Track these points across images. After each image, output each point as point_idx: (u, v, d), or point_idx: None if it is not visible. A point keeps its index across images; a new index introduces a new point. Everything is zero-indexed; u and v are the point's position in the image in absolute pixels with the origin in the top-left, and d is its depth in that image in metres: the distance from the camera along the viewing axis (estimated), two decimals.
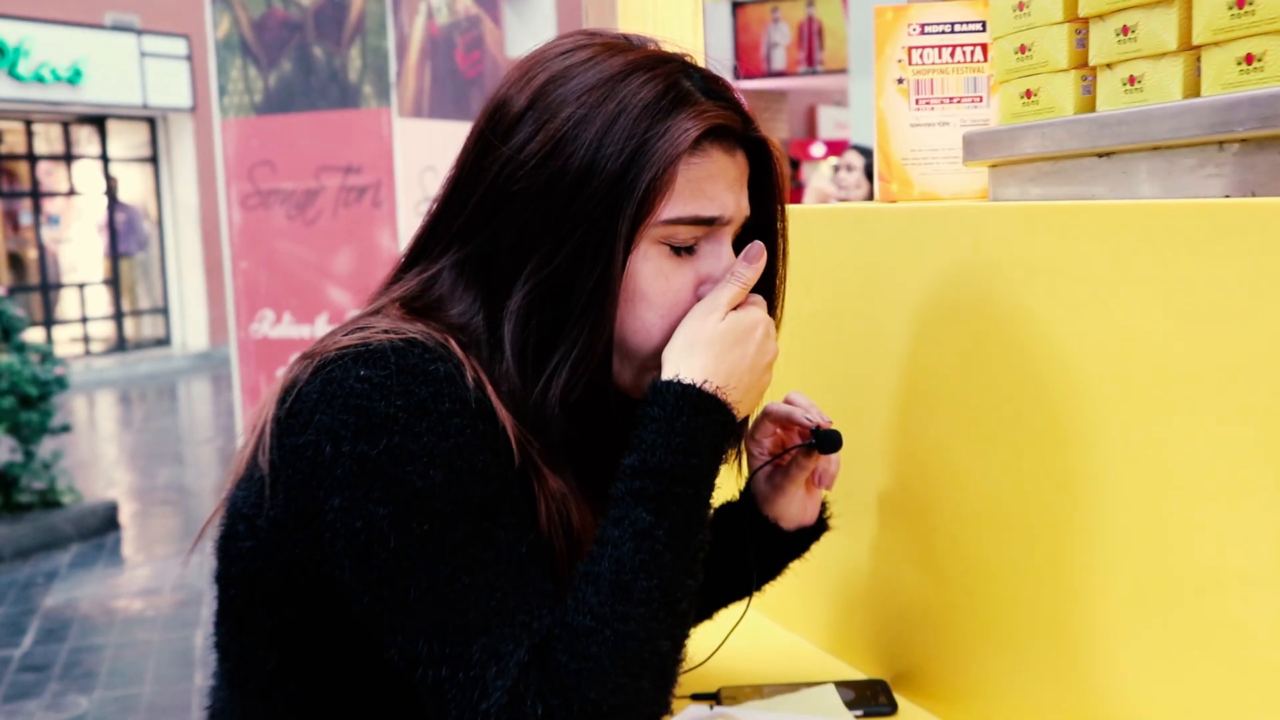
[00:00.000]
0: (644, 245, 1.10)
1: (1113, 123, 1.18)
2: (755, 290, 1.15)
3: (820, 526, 1.37)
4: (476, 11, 7.16)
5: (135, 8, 14.91)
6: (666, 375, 1.07)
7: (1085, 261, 1.13)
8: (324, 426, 1.02)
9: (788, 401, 1.30)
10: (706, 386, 1.06)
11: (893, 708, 1.37)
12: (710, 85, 1.13)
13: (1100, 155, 1.20)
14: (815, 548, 1.39)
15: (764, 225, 1.20)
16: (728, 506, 1.38)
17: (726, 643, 1.51)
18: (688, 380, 1.06)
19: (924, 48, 1.52)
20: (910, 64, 1.52)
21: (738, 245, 1.16)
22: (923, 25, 1.52)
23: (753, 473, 1.33)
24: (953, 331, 1.31)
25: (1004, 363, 1.23)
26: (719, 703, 1.37)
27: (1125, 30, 1.16)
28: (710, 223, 1.12)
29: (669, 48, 1.16)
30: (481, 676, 0.97)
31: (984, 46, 1.51)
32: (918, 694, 1.39)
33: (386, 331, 1.05)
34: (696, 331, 1.08)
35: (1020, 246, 1.21)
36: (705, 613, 1.41)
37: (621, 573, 1.00)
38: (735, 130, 1.13)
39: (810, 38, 18.81)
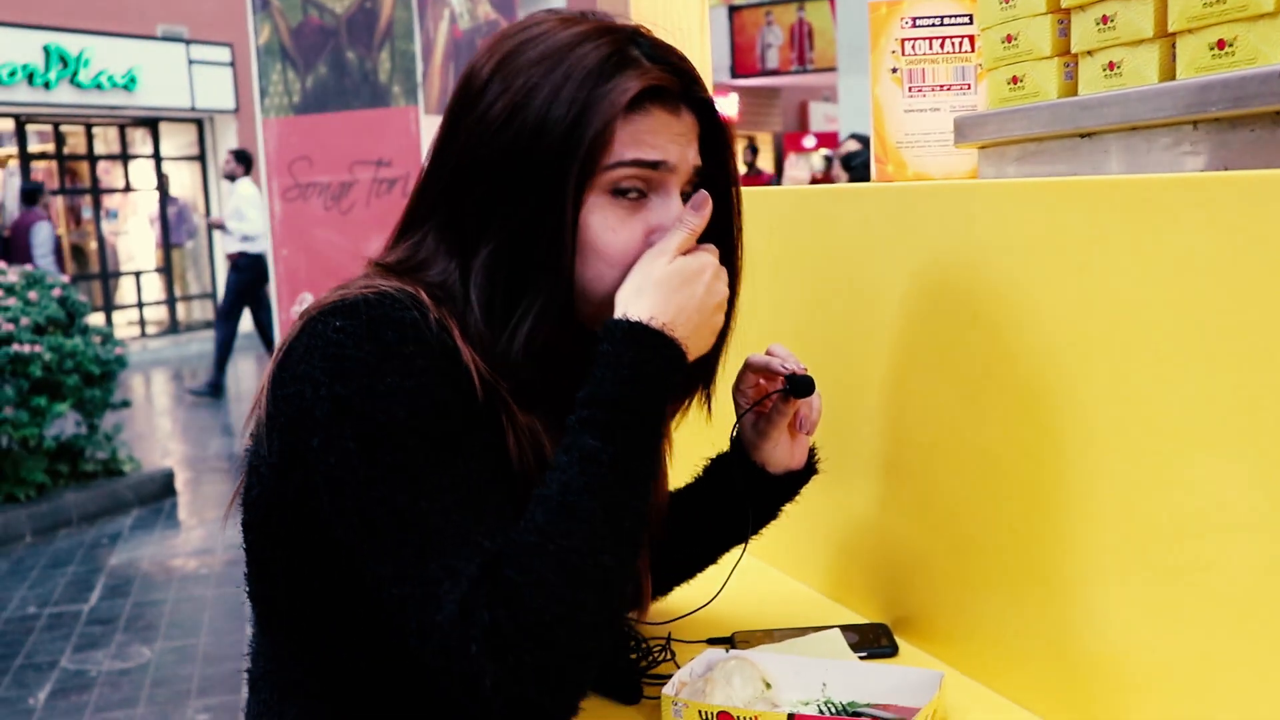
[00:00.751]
0: (593, 198, 1.10)
1: (1094, 105, 1.16)
2: (714, 245, 1.15)
3: (809, 471, 1.36)
4: (495, 16, 7.13)
5: (184, 19, 14.88)
6: (617, 314, 1.07)
7: (1069, 233, 1.11)
8: (306, 375, 1.04)
9: (768, 353, 1.30)
10: (652, 323, 1.05)
11: (894, 649, 1.36)
12: (656, 51, 1.12)
13: (1083, 136, 1.18)
14: (819, 501, 1.38)
15: (717, 183, 1.18)
16: (720, 456, 1.38)
17: (740, 590, 1.50)
18: (634, 318, 1.05)
19: (915, 39, 1.50)
20: (903, 54, 1.51)
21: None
22: (914, 19, 1.50)
23: (738, 419, 1.32)
24: (947, 298, 1.29)
25: (995, 326, 1.21)
26: (733, 646, 1.36)
27: (1105, 20, 1.14)
28: (654, 167, 1.10)
29: (623, 21, 1.15)
30: (436, 591, 0.97)
31: (971, 38, 1.49)
32: (917, 636, 1.37)
33: (363, 288, 1.07)
34: (645, 274, 1.08)
35: (1009, 221, 1.19)
36: (709, 558, 1.41)
37: (567, 494, 1.00)
38: (674, 90, 1.11)
39: (801, 39, 18.80)
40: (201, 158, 15.72)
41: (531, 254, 1.09)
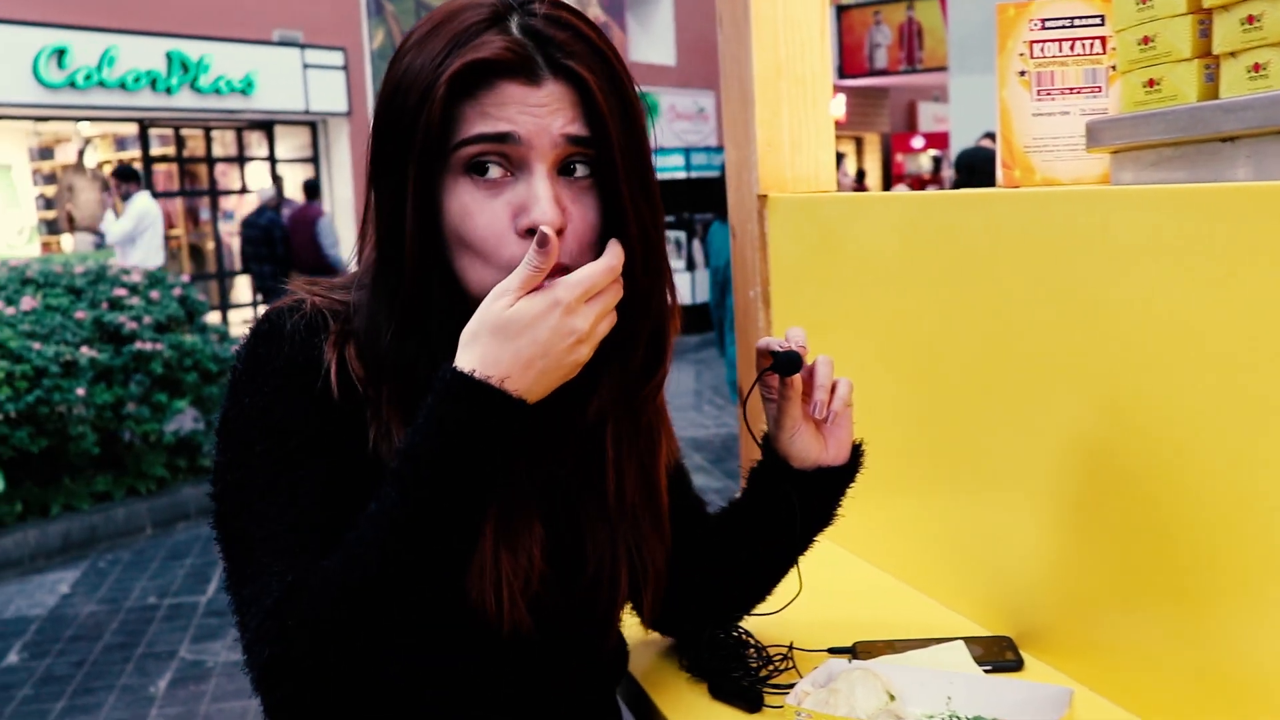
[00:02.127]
0: (448, 180, 1.04)
1: (1237, 108, 1.12)
2: (619, 235, 1.06)
3: (850, 468, 1.29)
4: (605, 18, 7.15)
5: (299, 24, 15.17)
6: (455, 361, 1.00)
7: (1210, 241, 1.08)
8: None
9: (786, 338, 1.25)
10: (476, 374, 0.98)
11: (1019, 663, 1.33)
12: (530, 21, 1.04)
13: (1224, 140, 1.15)
14: (941, 509, 1.36)
15: (601, 157, 1.06)
16: (756, 466, 1.33)
17: (859, 599, 1.49)
18: (460, 367, 0.99)
19: (1045, 41, 1.47)
20: (1032, 57, 1.47)
21: (600, 187, 1.07)
22: (1043, 20, 1.47)
23: (744, 400, 1.31)
24: (1078, 306, 1.26)
25: (1131, 336, 1.18)
26: (855, 656, 1.35)
27: (1251, 19, 1.11)
28: (501, 139, 1.02)
29: None
30: (244, 617, 1.01)
31: (1103, 39, 1.46)
32: (1043, 650, 1.34)
33: (277, 302, 1.12)
34: (482, 319, 1.00)
35: (1145, 228, 1.16)
36: (774, 568, 1.36)
37: (358, 543, 0.99)
38: (523, 62, 1.02)
39: (910, 38, 18.60)
40: (315, 159, 16.03)
41: (392, 244, 1.06)
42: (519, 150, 1.03)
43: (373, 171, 1.09)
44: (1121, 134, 1.28)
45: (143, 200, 9.86)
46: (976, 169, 5.51)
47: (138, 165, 14.42)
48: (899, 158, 22.24)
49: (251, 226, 11.30)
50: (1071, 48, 1.46)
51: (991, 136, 5.91)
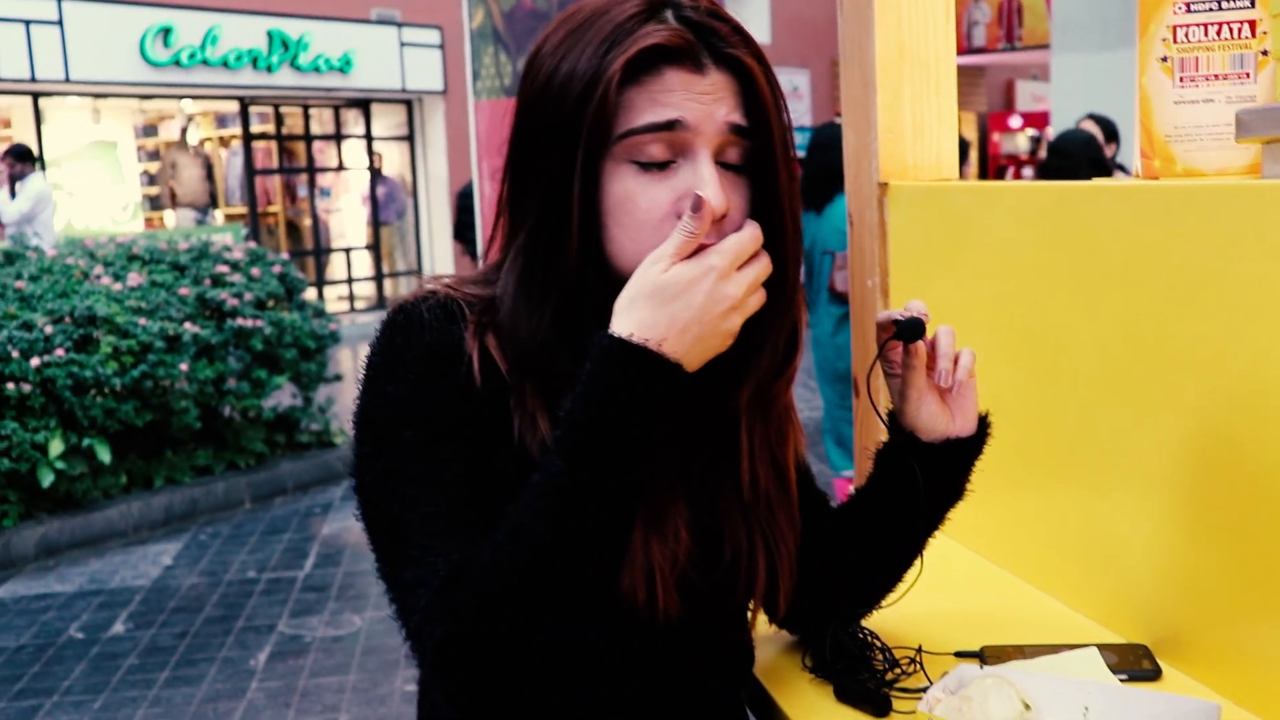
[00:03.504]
0: (610, 166, 1.06)
1: None
2: (769, 223, 1.08)
3: (978, 439, 1.27)
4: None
5: (396, 3, 15.32)
6: (610, 328, 1.01)
7: None
8: (360, 383, 1.12)
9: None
10: (634, 339, 0.98)
11: (1157, 673, 1.29)
12: (687, 12, 1.06)
13: None
14: (1071, 508, 1.32)
15: (759, 144, 1.09)
16: (884, 444, 1.31)
17: (985, 601, 1.46)
18: (618, 333, 0.99)
19: (1189, 25, 1.41)
20: (1175, 42, 1.42)
21: (752, 176, 1.09)
22: (1188, 3, 1.41)
23: (868, 375, 1.29)
24: (1229, 304, 1.21)
25: (1274, 335, 1.13)
26: (983, 661, 1.31)
27: None
28: (668, 128, 1.04)
29: None
30: (408, 601, 1.02)
31: (1251, 23, 1.39)
32: (1182, 660, 1.30)
33: (411, 293, 1.13)
34: (639, 284, 1.01)
35: None
36: (905, 551, 1.33)
37: (523, 515, 0.99)
38: (688, 49, 1.05)
39: (1010, 15, 18.26)
40: (410, 138, 16.18)
41: (550, 232, 1.07)
42: (684, 137, 1.05)
43: (522, 166, 1.11)
44: (1274, 124, 1.22)
45: (37, 181, 10.03)
46: (1062, 150, 5.36)
47: (238, 142, 14.69)
48: (995, 137, 21.86)
49: (465, 197, 11.42)
50: (1218, 32, 1.40)
51: (1094, 118, 5.75)
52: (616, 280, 1.07)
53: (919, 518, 1.30)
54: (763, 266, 1.05)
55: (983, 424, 1.28)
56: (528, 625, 0.99)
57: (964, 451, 1.27)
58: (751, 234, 1.04)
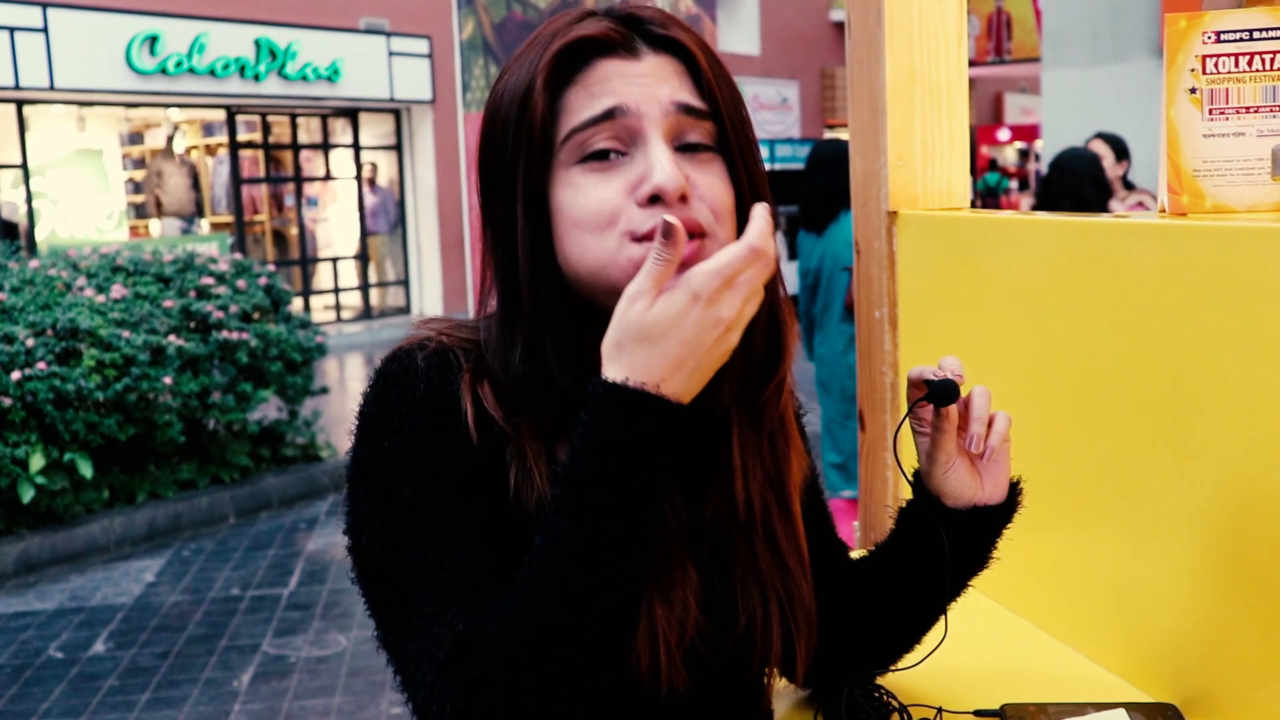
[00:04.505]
0: (562, 175, 1.01)
1: None
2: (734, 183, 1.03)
3: (1007, 508, 1.20)
4: (697, 11, 7.06)
5: (385, 12, 15.26)
6: (603, 373, 0.94)
7: None
8: (352, 435, 1.06)
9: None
10: (630, 383, 0.91)
11: None
12: (616, 10, 1.04)
13: None
14: (1097, 559, 1.26)
15: (719, 120, 1.03)
16: (907, 504, 1.25)
17: (1006, 655, 1.40)
18: (610, 378, 0.92)
19: (1219, 56, 1.36)
20: (1204, 73, 1.36)
21: (725, 156, 1.03)
22: (1218, 33, 1.35)
23: (895, 435, 1.21)
24: (1263, 351, 1.15)
25: None
26: (1004, 719, 1.25)
27: None
28: (608, 116, 0.99)
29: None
30: (414, 674, 0.96)
31: None
32: None
33: (403, 340, 1.07)
34: (623, 326, 0.93)
35: None
36: (924, 615, 1.27)
37: (530, 582, 0.92)
38: (619, 38, 1.01)
39: (999, 29, 18.28)
40: (398, 147, 16.11)
41: (507, 259, 1.03)
42: (629, 123, 1.00)
43: (484, 199, 1.07)
44: None
45: None
46: (1066, 168, 5.32)
47: (224, 151, 14.60)
48: (984, 149, 21.90)
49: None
50: (1249, 63, 1.35)
51: (1103, 137, 5.69)
52: (577, 302, 1.03)
53: (941, 582, 1.23)
54: (760, 271, 0.94)
55: (1014, 491, 1.22)
56: (541, 701, 0.92)
57: (992, 520, 1.21)
58: (746, 246, 0.93)
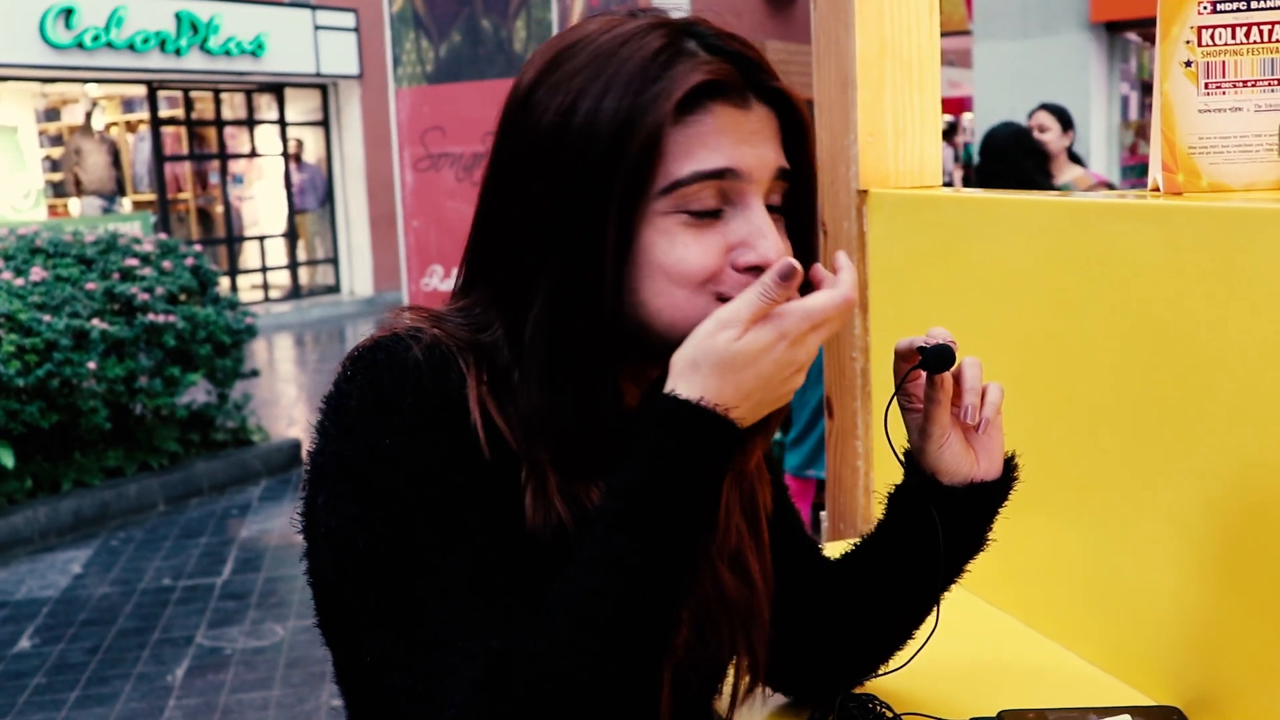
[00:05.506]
0: (656, 219, 0.95)
1: None
2: (793, 242, 1.01)
3: (1004, 484, 1.16)
4: None
5: None
6: (666, 387, 0.91)
7: None
8: (322, 427, 0.97)
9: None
10: (704, 403, 0.89)
11: None
12: (715, 41, 0.97)
13: None
14: (1094, 556, 1.20)
15: (799, 184, 1.02)
16: (897, 488, 1.19)
17: (1002, 659, 1.34)
18: (683, 395, 0.90)
19: (1215, 27, 1.29)
20: (1199, 45, 1.30)
21: (789, 214, 1.02)
22: (1214, 3, 1.29)
23: (886, 413, 1.15)
24: (1260, 332, 1.10)
25: None
26: None
27: None
28: (719, 176, 0.95)
29: (680, 14, 1.01)
30: (437, 692, 0.88)
31: None
32: None
33: (383, 329, 0.99)
34: (706, 348, 0.90)
35: None
36: (916, 605, 1.21)
37: (589, 599, 0.88)
38: (735, 83, 0.96)
39: None
40: (325, 123, 15.83)
41: (580, 294, 0.95)
42: (735, 186, 0.96)
43: (520, 214, 0.97)
44: None
45: None
46: (995, 151, 5.31)
47: (145, 128, 14.25)
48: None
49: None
50: (1247, 34, 1.29)
51: (1048, 108, 5.64)
52: (647, 347, 0.97)
53: (936, 569, 1.17)
54: (838, 323, 0.95)
55: (1009, 466, 1.16)
56: (593, 714, 0.87)
57: (989, 496, 1.15)
58: (841, 297, 0.93)
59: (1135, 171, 11.42)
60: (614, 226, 0.93)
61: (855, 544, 1.24)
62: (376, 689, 0.95)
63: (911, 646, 1.22)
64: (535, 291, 0.96)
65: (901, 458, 1.17)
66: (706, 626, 1.08)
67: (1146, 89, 11.99)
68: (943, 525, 1.14)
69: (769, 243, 0.96)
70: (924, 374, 1.10)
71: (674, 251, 0.95)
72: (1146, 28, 11.52)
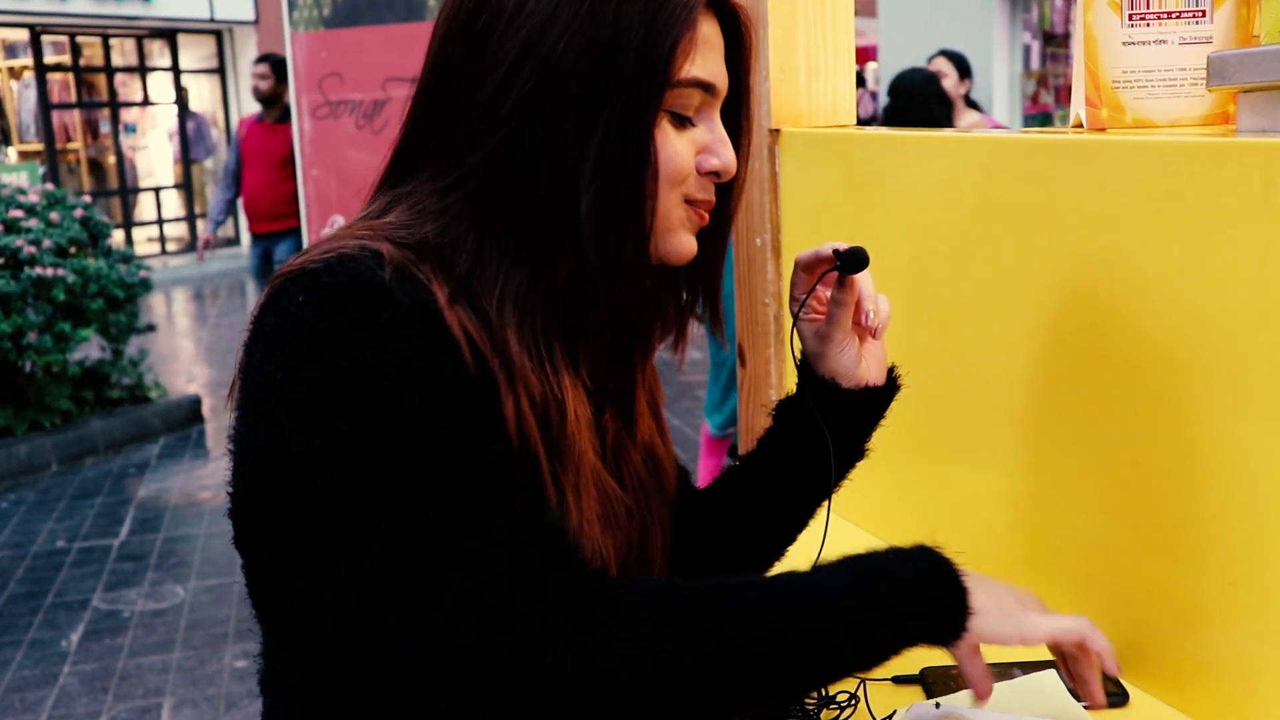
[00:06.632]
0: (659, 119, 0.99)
1: None
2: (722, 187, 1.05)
3: (890, 388, 1.20)
4: None
5: None
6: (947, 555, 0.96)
7: None
8: (276, 358, 0.88)
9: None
10: (961, 577, 0.95)
11: (1123, 697, 1.14)
12: None
13: None
14: (1004, 497, 1.16)
15: (734, 103, 1.07)
16: (787, 397, 1.22)
17: None
18: (954, 572, 0.95)
19: None
20: None
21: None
22: None
23: (794, 325, 1.17)
24: (1188, 270, 1.06)
25: (1258, 320, 0.98)
26: (927, 688, 1.15)
27: None
28: (707, 88, 1.00)
29: None
30: (477, 573, 0.83)
31: None
32: (1150, 680, 1.15)
33: (326, 251, 0.91)
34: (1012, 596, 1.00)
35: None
36: (798, 515, 1.24)
37: (744, 614, 0.89)
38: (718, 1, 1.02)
39: None
40: (221, 70, 15.39)
41: (621, 192, 0.96)
42: (710, 99, 1.02)
43: (522, 97, 0.95)
44: (1255, 70, 1.06)
45: None
46: (905, 91, 5.31)
47: (30, 74, 13.72)
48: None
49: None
50: None
51: (946, 54, 5.66)
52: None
53: (821, 480, 1.19)
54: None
55: (892, 375, 1.20)
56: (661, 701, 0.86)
57: (878, 401, 1.20)
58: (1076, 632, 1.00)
59: (1038, 120, 11.53)
60: (644, 119, 0.95)
61: (743, 456, 1.26)
62: (347, 630, 0.88)
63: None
64: (581, 190, 0.95)
65: (797, 361, 1.19)
66: (647, 541, 1.11)
67: (1048, 38, 12.09)
68: (833, 431, 1.16)
69: (729, 151, 1.02)
70: (827, 281, 1.13)
71: (667, 146, 0.98)
72: None
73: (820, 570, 0.93)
